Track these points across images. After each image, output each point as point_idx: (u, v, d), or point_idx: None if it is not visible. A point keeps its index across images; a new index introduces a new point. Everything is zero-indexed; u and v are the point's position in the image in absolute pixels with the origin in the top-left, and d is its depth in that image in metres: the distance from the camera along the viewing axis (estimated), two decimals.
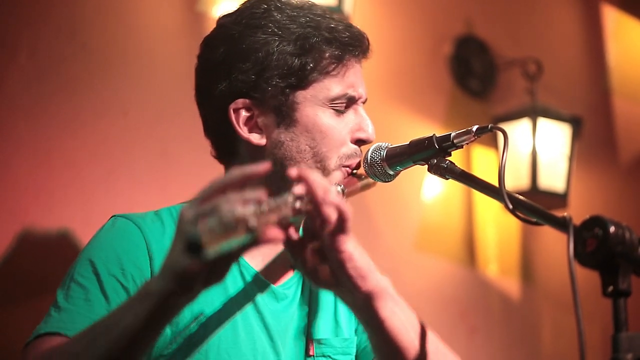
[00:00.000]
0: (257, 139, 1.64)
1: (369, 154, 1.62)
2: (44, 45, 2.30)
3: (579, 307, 1.22)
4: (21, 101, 2.24)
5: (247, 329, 1.61)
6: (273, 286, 1.67)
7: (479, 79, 3.49)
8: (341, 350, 1.69)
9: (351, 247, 1.35)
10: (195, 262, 1.19)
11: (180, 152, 2.46)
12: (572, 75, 3.95)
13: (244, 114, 1.64)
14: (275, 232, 1.20)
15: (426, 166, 1.57)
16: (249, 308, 1.63)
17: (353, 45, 1.65)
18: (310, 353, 1.66)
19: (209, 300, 1.58)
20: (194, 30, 1.79)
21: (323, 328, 1.69)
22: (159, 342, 1.55)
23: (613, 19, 4.19)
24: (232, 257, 1.23)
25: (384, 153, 1.61)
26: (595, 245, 1.25)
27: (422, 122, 3.24)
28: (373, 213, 3.03)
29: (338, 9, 2.69)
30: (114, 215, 1.64)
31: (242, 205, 1.17)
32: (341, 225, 1.32)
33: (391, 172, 1.62)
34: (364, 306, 1.41)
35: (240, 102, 1.63)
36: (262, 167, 1.24)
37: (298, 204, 1.30)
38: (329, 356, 1.68)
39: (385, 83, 3.14)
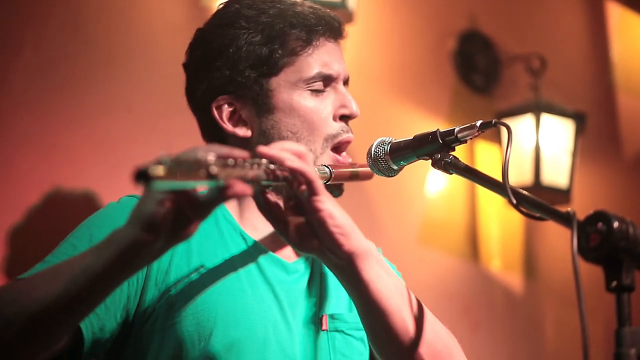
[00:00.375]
0: (242, 132, 1.69)
1: (373, 149, 1.62)
2: (48, 42, 2.30)
3: (582, 302, 1.21)
4: (24, 97, 2.24)
5: (254, 293, 1.60)
6: (282, 260, 1.67)
7: (482, 75, 3.49)
8: (355, 325, 1.67)
9: (329, 205, 1.36)
10: (159, 207, 1.17)
11: (185, 148, 2.46)
12: (576, 71, 3.94)
13: (226, 109, 1.69)
14: (242, 187, 1.18)
15: (430, 161, 1.57)
16: (258, 278, 1.62)
17: (319, 25, 1.68)
18: (324, 327, 1.64)
19: (211, 255, 1.60)
20: (199, 25, 1.80)
21: (336, 303, 1.69)
22: (155, 294, 1.54)
23: (617, 15, 4.18)
24: (199, 211, 1.21)
25: (387, 148, 1.60)
26: (598, 240, 1.25)
27: (426, 117, 3.24)
28: (376, 207, 3.03)
29: (342, 4, 2.69)
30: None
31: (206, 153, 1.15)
32: (310, 186, 1.34)
33: (395, 167, 1.62)
34: (347, 267, 1.40)
35: (220, 98, 1.69)
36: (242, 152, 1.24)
37: (272, 166, 1.31)
38: (342, 331, 1.67)
39: (389, 78, 3.14)
